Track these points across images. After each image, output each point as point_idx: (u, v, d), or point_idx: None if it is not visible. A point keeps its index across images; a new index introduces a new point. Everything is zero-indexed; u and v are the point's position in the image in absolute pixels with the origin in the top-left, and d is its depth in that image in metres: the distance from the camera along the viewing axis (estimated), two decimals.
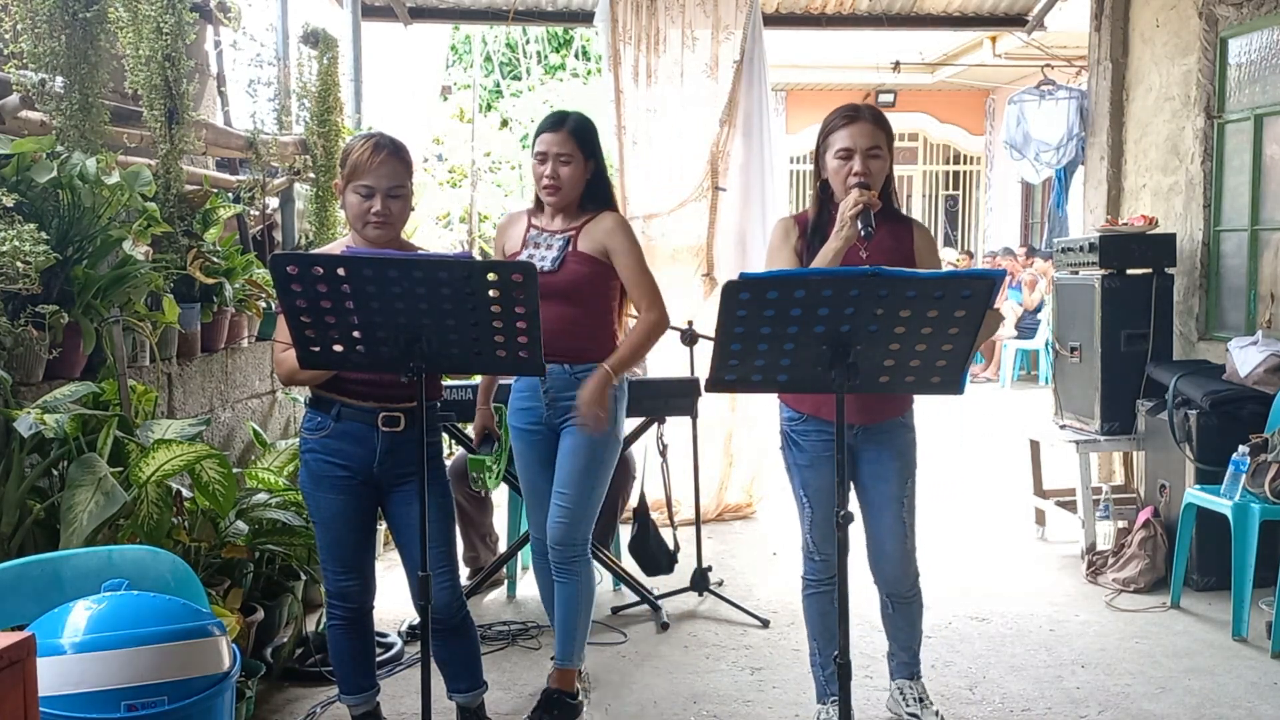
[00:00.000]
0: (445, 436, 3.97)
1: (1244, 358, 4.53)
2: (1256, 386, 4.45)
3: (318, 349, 2.50)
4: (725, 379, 2.41)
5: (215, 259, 3.94)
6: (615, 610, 4.41)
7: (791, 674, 3.76)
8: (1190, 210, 5.36)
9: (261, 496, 3.79)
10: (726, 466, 5.91)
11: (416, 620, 3.27)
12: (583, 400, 3.12)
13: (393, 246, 2.81)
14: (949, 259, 12.99)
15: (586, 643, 3.41)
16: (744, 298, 2.22)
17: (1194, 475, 4.53)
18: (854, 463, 3.09)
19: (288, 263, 2.37)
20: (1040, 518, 5.55)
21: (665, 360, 5.24)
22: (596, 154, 3.27)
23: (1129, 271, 5.11)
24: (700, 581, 4.47)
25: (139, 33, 3.67)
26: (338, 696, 3.13)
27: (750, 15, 5.76)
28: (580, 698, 3.36)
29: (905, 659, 3.28)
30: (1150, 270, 5.10)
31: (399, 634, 4.00)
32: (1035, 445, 5.52)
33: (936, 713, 3.23)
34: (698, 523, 4.63)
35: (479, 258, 2.70)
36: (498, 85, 13.36)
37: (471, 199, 10.21)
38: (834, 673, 2.49)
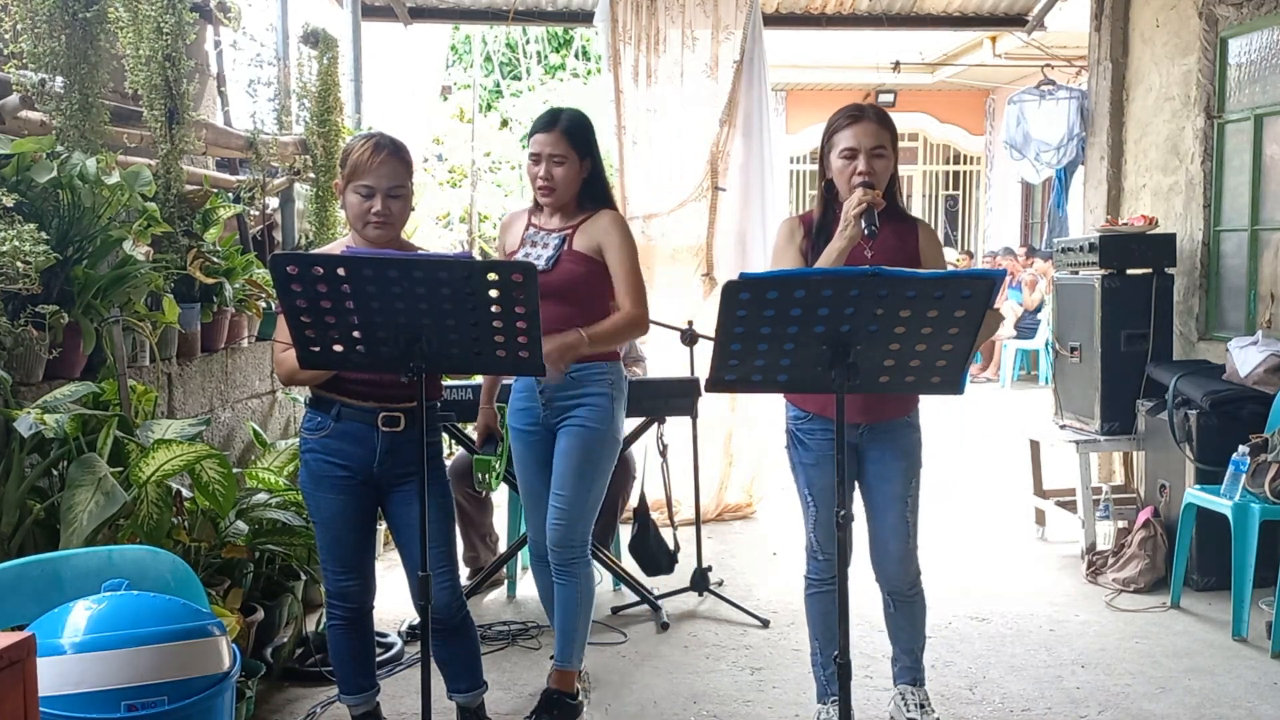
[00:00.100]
0: (445, 436, 3.97)
1: (1244, 358, 4.53)
2: (1256, 386, 4.45)
3: (318, 349, 2.50)
4: (725, 379, 2.41)
5: (215, 259, 3.94)
6: (615, 610, 4.41)
7: (791, 674, 3.76)
8: (1190, 210, 5.36)
9: (261, 496, 3.79)
10: (726, 466, 5.92)
11: (416, 620, 3.27)
12: (546, 349, 3.04)
13: (393, 246, 2.81)
14: (949, 259, 12.99)
15: (587, 643, 3.41)
16: (744, 298, 2.22)
17: (1194, 475, 4.53)
18: (859, 461, 3.09)
19: (288, 263, 2.37)
20: (1040, 518, 5.55)
21: (665, 360, 5.24)
22: (592, 152, 3.24)
23: (1129, 271, 5.11)
24: (700, 581, 4.47)
25: (139, 33, 3.67)
26: (338, 696, 3.13)
27: (750, 15, 5.76)
28: (580, 698, 3.36)
29: (908, 663, 3.27)
30: (1150, 270, 5.10)
31: (399, 634, 4.00)
32: (1035, 445, 5.52)
33: (937, 719, 3.23)
34: (698, 523, 4.63)
35: (479, 258, 2.71)
36: (498, 85, 13.36)
37: (471, 199, 10.21)
38: (834, 673, 2.49)
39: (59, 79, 3.34)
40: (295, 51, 5.27)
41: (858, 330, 2.30)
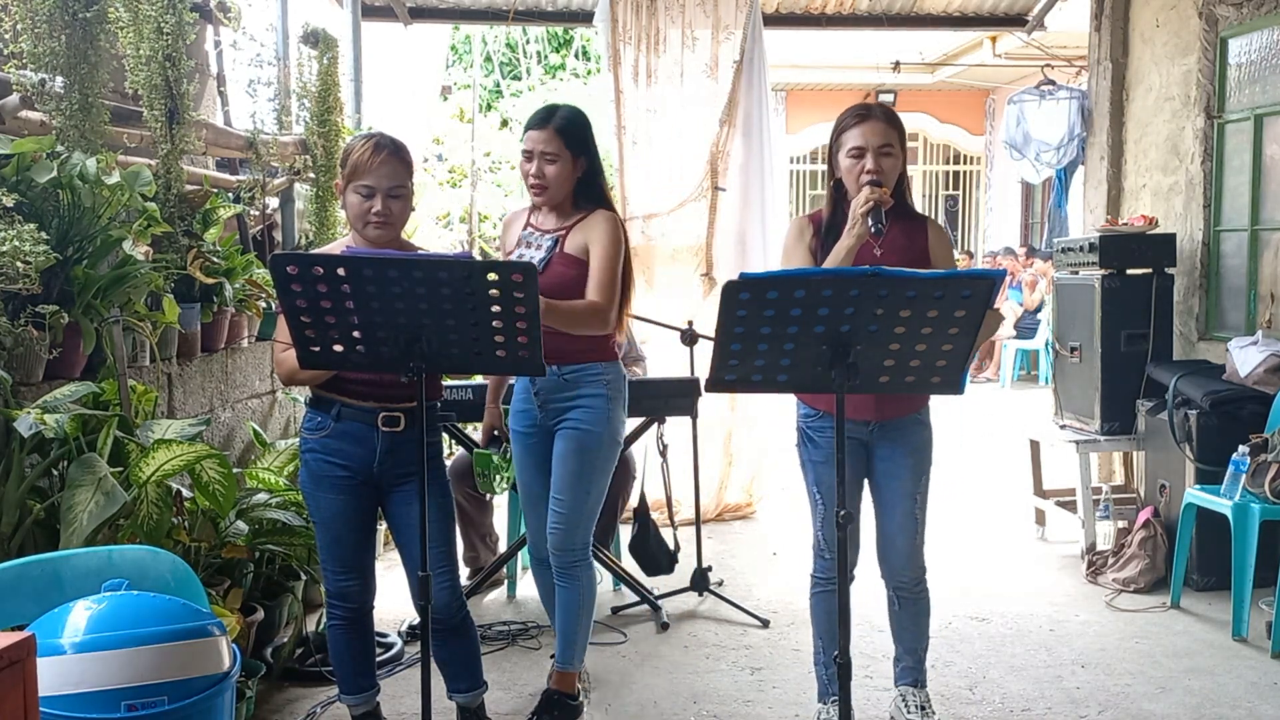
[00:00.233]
0: (445, 436, 3.97)
1: (1244, 358, 4.53)
2: (1256, 386, 4.45)
3: (318, 349, 2.49)
4: (725, 379, 2.41)
5: (215, 259, 3.94)
6: (615, 610, 4.41)
7: (791, 674, 3.76)
8: (1190, 210, 5.36)
9: (261, 496, 3.79)
10: (726, 466, 5.92)
11: (416, 620, 3.26)
12: None
13: (393, 246, 2.81)
14: None
15: (588, 644, 3.40)
16: (744, 298, 2.22)
17: (1194, 475, 4.53)
18: (868, 458, 3.10)
19: (288, 263, 2.37)
20: (1040, 518, 5.55)
21: (665, 360, 5.24)
22: (587, 151, 3.18)
23: (1129, 271, 5.11)
24: (700, 581, 4.47)
25: (139, 33, 3.67)
26: (338, 696, 3.13)
27: (750, 15, 5.76)
28: (580, 698, 3.36)
29: (910, 664, 3.28)
30: (1150, 270, 5.10)
31: (399, 634, 4.00)
32: (1035, 445, 5.52)
33: None
34: (698, 523, 4.63)
35: (479, 258, 2.70)
36: (498, 85, 13.36)
37: (471, 199, 10.21)
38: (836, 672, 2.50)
39: (59, 79, 3.34)
40: (295, 51, 5.27)
41: (858, 330, 2.30)
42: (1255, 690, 3.60)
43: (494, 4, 6.68)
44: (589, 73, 13.33)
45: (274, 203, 5.24)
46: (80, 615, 2.23)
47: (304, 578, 3.86)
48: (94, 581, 2.38)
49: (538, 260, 3.11)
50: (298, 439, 3.26)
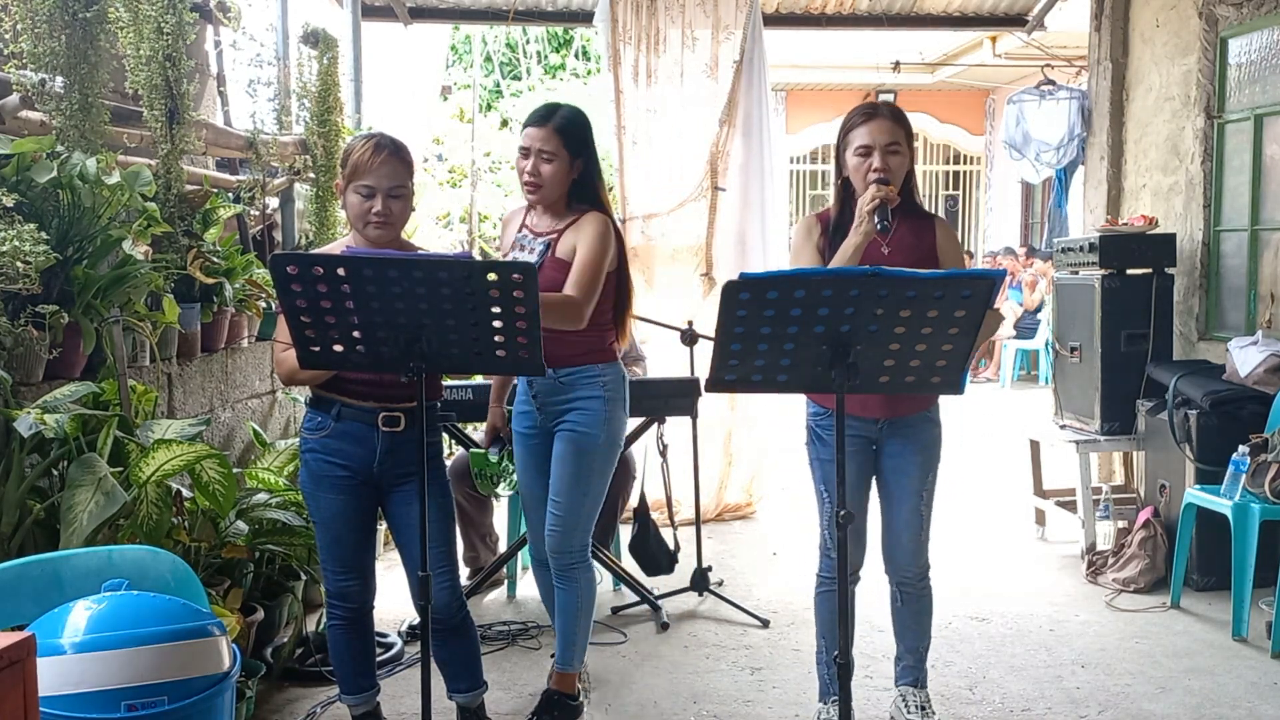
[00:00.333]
0: (445, 436, 3.97)
1: (1244, 358, 4.53)
2: (1256, 386, 4.45)
3: (318, 349, 2.49)
4: (725, 379, 2.41)
5: (215, 259, 3.94)
6: (615, 610, 4.41)
7: (791, 674, 3.76)
8: (1190, 210, 5.36)
9: (261, 496, 3.79)
10: (726, 466, 5.92)
11: (416, 620, 3.26)
12: None
13: (393, 246, 2.81)
14: None
15: (588, 644, 3.40)
16: (744, 298, 2.23)
17: (1194, 475, 4.53)
18: (877, 455, 3.11)
19: (288, 263, 2.37)
20: (1040, 518, 5.55)
21: (665, 360, 5.24)
22: (585, 152, 3.14)
23: (1129, 271, 5.11)
24: (700, 581, 4.47)
25: (139, 33, 3.67)
26: (338, 696, 3.13)
27: (750, 15, 5.76)
28: (580, 699, 3.36)
29: (911, 663, 3.28)
30: (1150, 270, 5.10)
31: (399, 634, 4.00)
32: (1035, 445, 5.52)
33: None
34: (698, 523, 4.63)
35: (479, 258, 2.70)
36: (498, 85, 13.36)
37: (471, 199, 10.21)
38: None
39: (59, 79, 3.34)
40: (295, 51, 5.27)
41: (858, 330, 2.30)
42: (1255, 690, 3.60)
43: (494, 4, 6.68)
44: (589, 73, 13.33)
45: (274, 203, 5.24)
46: (80, 615, 2.23)
47: (304, 578, 3.86)
48: (94, 581, 2.38)
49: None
50: (298, 439, 3.26)
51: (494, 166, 11.22)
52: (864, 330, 2.30)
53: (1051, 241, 6.59)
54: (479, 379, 4.29)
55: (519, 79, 13.46)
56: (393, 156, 2.80)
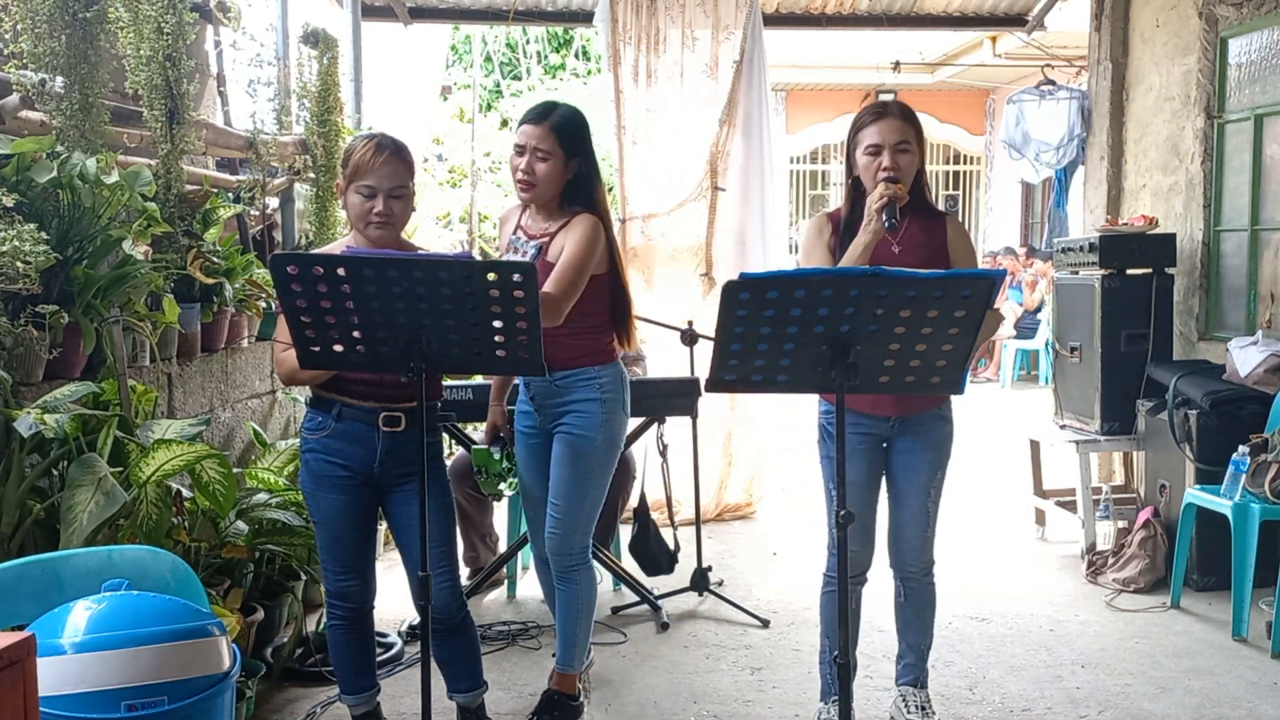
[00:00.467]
0: (445, 436, 3.97)
1: (1244, 358, 4.53)
2: (1256, 386, 4.45)
3: (318, 349, 2.49)
4: (725, 379, 2.41)
5: (215, 259, 3.94)
6: (615, 610, 4.41)
7: (791, 674, 3.76)
8: (1190, 210, 5.36)
9: (261, 496, 3.79)
10: (726, 466, 5.92)
11: (416, 620, 3.26)
12: None
13: (394, 246, 2.81)
14: None
15: (589, 645, 3.40)
16: (744, 298, 2.23)
17: (1194, 475, 4.53)
18: (887, 452, 3.13)
19: (288, 263, 2.37)
20: (1040, 518, 5.55)
21: (665, 360, 5.24)
22: (580, 152, 3.10)
23: (1129, 271, 5.11)
24: (700, 581, 4.47)
25: (139, 33, 3.67)
26: (338, 696, 3.13)
27: (750, 15, 5.76)
28: (580, 699, 3.36)
29: (913, 661, 3.29)
30: (1150, 270, 5.10)
31: (399, 634, 4.00)
32: (1035, 445, 5.52)
33: None
34: (698, 523, 4.63)
35: (479, 258, 2.70)
36: (498, 85, 13.36)
37: (471, 199, 10.21)
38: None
39: (59, 79, 3.34)
40: (295, 51, 5.27)
41: (858, 330, 2.30)
42: (1255, 690, 3.60)
43: (494, 4, 6.68)
44: (589, 73, 13.33)
45: (274, 203, 5.24)
46: (80, 615, 2.23)
47: (304, 578, 3.86)
48: (94, 581, 2.38)
49: None
50: (298, 439, 3.26)
51: (494, 166, 11.22)
52: (864, 330, 2.30)
53: (1051, 241, 6.59)
54: (479, 379, 4.29)
55: (519, 79, 13.46)
56: (394, 157, 2.80)
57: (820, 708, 3.26)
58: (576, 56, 13.61)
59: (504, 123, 12.62)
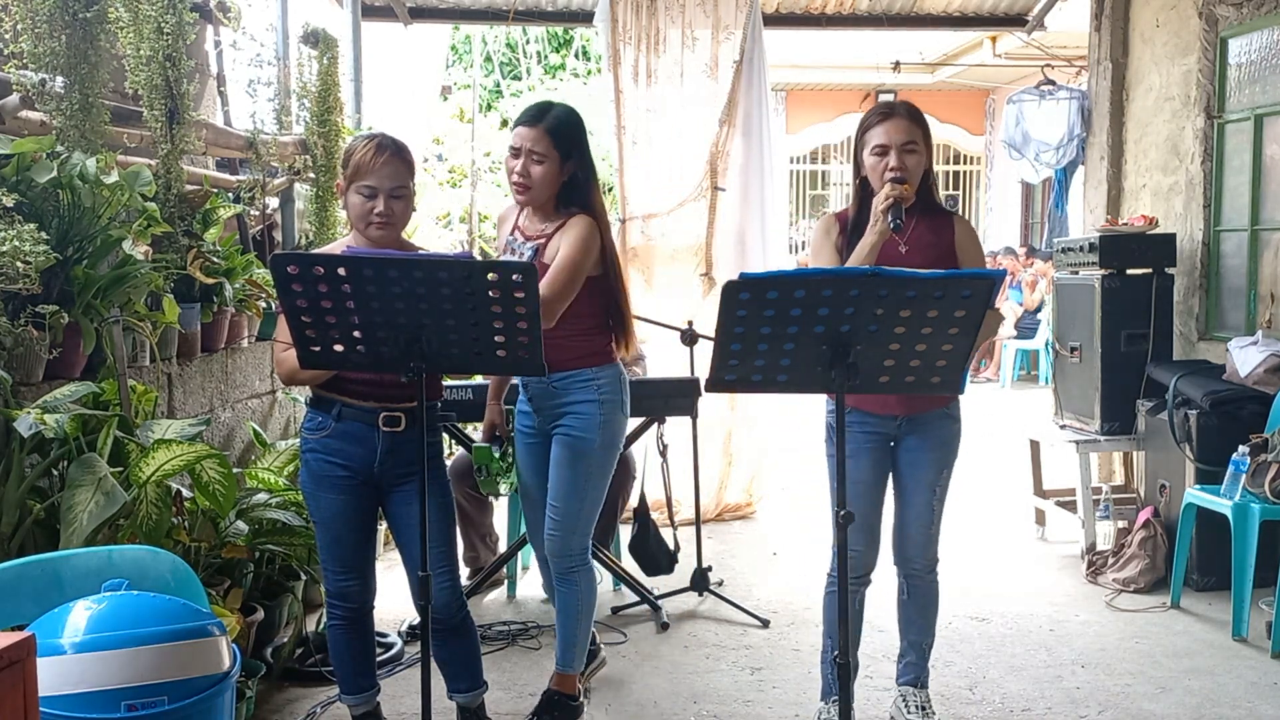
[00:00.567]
0: (445, 436, 3.97)
1: (1244, 358, 4.53)
2: (1256, 386, 4.45)
3: (318, 349, 2.50)
4: (725, 379, 2.41)
5: (215, 259, 3.94)
6: (615, 610, 4.41)
7: (791, 674, 3.76)
8: (1190, 210, 5.36)
9: (261, 496, 3.79)
10: (726, 466, 5.92)
11: (416, 620, 3.26)
12: None
13: (394, 247, 2.81)
14: None
15: (589, 647, 3.40)
16: (744, 298, 2.23)
17: (1194, 475, 4.53)
18: (894, 450, 3.14)
19: (288, 262, 2.37)
20: (1040, 518, 5.55)
21: (665, 360, 5.24)
22: (576, 153, 3.09)
23: (1129, 271, 5.11)
24: (700, 581, 4.47)
25: (139, 33, 3.67)
26: (338, 696, 3.13)
27: (750, 15, 5.76)
28: (580, 699, 3.36)
29: (914, 660, 3.29)
30: (1150, 270, 5.10)
31: (399, 634, 4.00)
32: (1035, 445, 5.52)
33: None
34: (698, 523, 4.63)
35: (479, 258, 2.70)
36: (498, 85, 13.37)
37: (471, 199, 10.21)
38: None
39: (59, 79, 3.34)
40: (295, 51, 5.27)
41: (858, 330, 2.30)
42: (1255, 690, 3.60)
43: (494, 4, 6.68)
44: (589, 73, 13.33)
45: (274, 203, 5.24)
46: (80, 615, 2.23)
47: (304, 578, 3.86)
48: (94, 581, 2.38)
49: None
50: (298, 439, 3.26)
51: (494, 166, 11.22)
52: (864, 330, 2.30)
53: (1051, 241, 6.59)
54: (479, 379, 4.29)
55: (519, 79, 13.46)
56: (395, 157, 2.80)
57: (821, 707, 3.26)
58: (576, 56, 13.61)
59: (504, 123, 12.62)
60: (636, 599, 4.40)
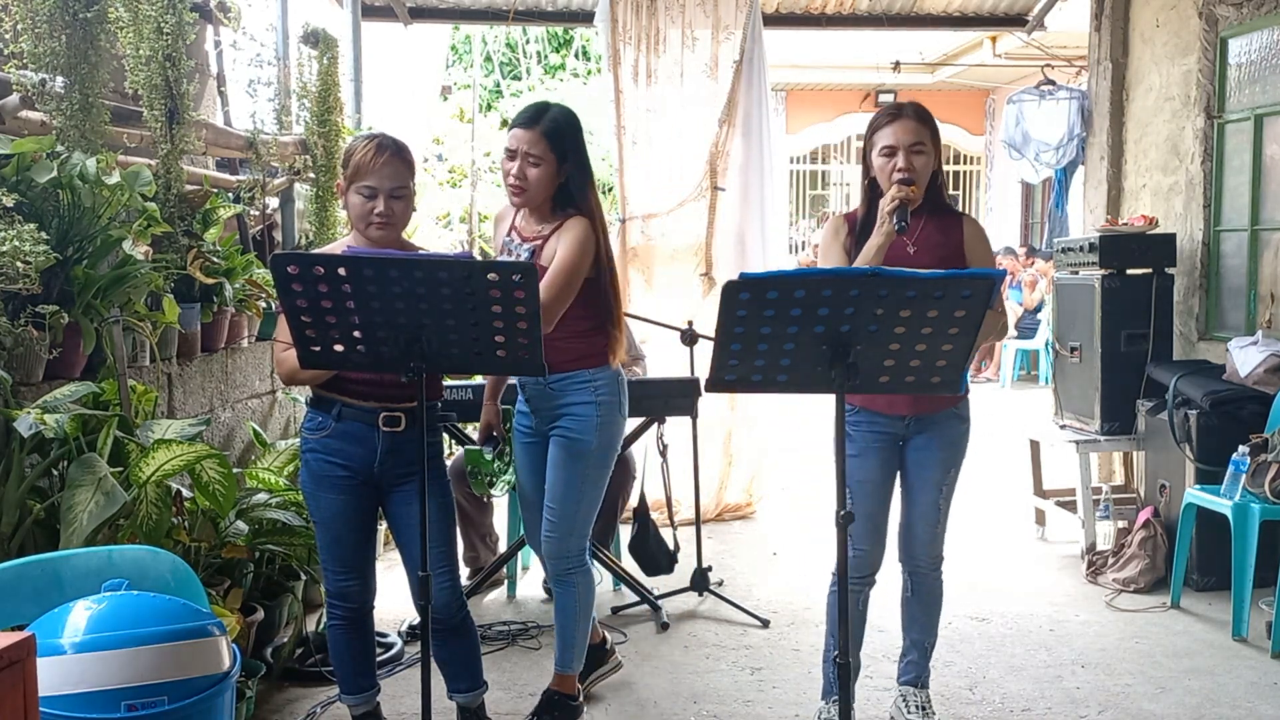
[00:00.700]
0: (445, 436, 3.97)
1: (1244, 358, 4.53)
2: (1256, 386, 4.45)
3: (318, 349, 2.50)
4: (725, 379, 2.41)
5: (215, 259, 3.94)
6: (615, 610, 4.41)
7: (791, 674, 3.76)
8: (1190, 210, 5.36)
9: (261, 496, 3.79)
10: (726, 466, 5.92)
11: (416, 620, 3.26)
12: None
13: (394, 247, 2.81)
14: None
15: (603, 648, 3.40)
16: (744, 298, 2.23)
17: (1194, 475, 4.53)
18: (902, 449, 3.14)
19: (288, 262, 2.37)
20: (1040, 518, 5.55)
21: (665, 360, 5.24)
22: (573, 155, 3.07)
23: (1129, 271, 5.11)
24: (700, 581, 4.47)
25: (139, 33, 3.67)
26: (338, 696, 3.13)
27: (750, 15, 5.76)
28: (580, 699, 3.36)
29: (915, 659, 3.29)
30: (1150, 270, 5.10)
31: (399, 634, 4.00)
32: (1035, 445, 5.52)
33: None
34: (698, 523, 4.63)
35: (479, 258, 2.70)
36: (498, 85, 13.37)
37: (471, 199, 10.22)
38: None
39: (59, 79, 3.34)
40: (295, 51, 5.27)
41: (858, 330, 2.30)
42: (1255, 690, 3.60)
43: (494, 4, 6.68)
44: (589, 73, 13.34)
45: (274, 203, 5.24)
46: (80, 615, 2.23)
47: (304, 578, 3.86)
48: (94, 581, 2.38)
49: None
50: (298, 439, 3.26)
51: (494, 167, 11.22)
52: (864, 330, 2.30)
53: (1051, 241, 6.59)
54: (479, 379, 4.29)
55: (519, 79, 13.46)
56: (395, 157, 2.80)
57: (821, 706, 3.26)
58: (576, 56, 13.62)
59: (504, 123, 12.62)
60: (636, 599, 4.40)
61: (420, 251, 2.88)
